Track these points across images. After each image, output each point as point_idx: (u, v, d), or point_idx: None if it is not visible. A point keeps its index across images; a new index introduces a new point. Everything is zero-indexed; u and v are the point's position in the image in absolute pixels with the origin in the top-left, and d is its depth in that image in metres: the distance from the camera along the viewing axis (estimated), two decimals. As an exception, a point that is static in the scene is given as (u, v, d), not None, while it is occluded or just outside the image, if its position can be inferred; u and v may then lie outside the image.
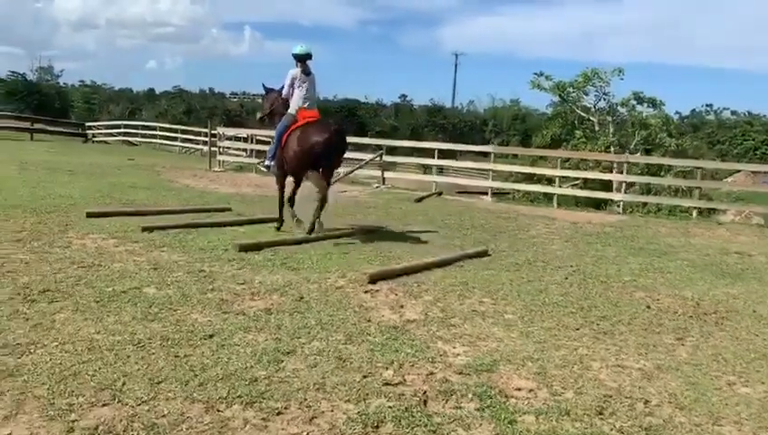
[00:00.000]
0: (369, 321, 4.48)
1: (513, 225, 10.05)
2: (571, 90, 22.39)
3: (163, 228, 7.58)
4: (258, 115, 8.78)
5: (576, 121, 31.20)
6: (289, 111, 7.64)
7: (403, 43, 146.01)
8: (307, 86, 7.63)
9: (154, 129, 27.34)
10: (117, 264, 5.77)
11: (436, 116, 66.72)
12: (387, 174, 15.34)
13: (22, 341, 3.72)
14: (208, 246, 6.78)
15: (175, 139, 26.05)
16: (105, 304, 4.52)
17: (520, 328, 4.55)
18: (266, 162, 8.22)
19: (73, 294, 4.69)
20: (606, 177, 15.02)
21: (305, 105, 7.59)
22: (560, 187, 14.72)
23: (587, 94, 22.50)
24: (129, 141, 27.56)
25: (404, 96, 79.12)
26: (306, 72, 7.68)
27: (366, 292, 5.23)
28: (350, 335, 4.13)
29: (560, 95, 22.67)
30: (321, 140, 7.08)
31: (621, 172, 13.60)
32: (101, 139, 28.94)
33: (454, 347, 4.07)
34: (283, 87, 7.86)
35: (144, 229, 7.40)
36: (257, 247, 6.72)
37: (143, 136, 27.09)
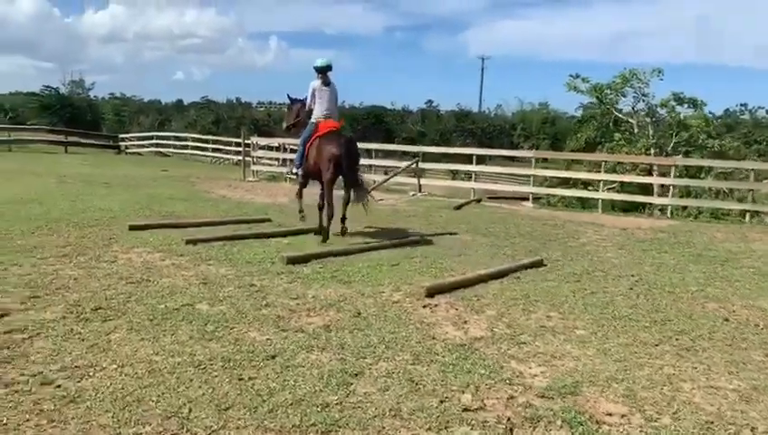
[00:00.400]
0: (433, 338, 4.23)
1: (561, 232, 9.72)
2: (608, 91, 21.88)
3: (207, 241, 7.46)
4: (284, 125, 9.21)
5: (611, 124, 30.60)
6: (311, 120, 8.12)
7: (428, 48, 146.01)
8: (327, 96, 8.05)
9: (186, 139, 27.52)
10: (165, 279, 5.63)
11: (464, 121, 66.27)
12: (409, 180, 15.06)
13: (80, 363, 3.56)
14: (255, 258, 6.61)
15: (206, 149, 26.16)
16: (159, 322, 4.36)
17: (595, 345, 4.26)
18: (294, 170, 8.68)
19: (126, 312, 4.54)
20: (652, 180, 14.53)
21: (324, 115, 8.02)
22: (601, 191, 14.32)
23: (625, 96, 21.95)
24: (161, 152, 27.78)
25: (430, 102, 78.80)
26: (326, 82, 8.07)
27: (425, 306, 4.99)
28: (416, 355, 3.90)
29: (597, 97, 22.17)
30: (333, 152, 7.55)
31: (667, 175, 13.12)
32: (134, 150, 29.24)
33: (529, 367, 3.80)
34: (306, 97, 8.32)
35: (188, 242, 7.29)
36: (305, 260, 6.54)
37: (175, 147, 27.26)
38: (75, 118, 48.86)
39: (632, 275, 6.59)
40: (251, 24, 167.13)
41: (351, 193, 8.01)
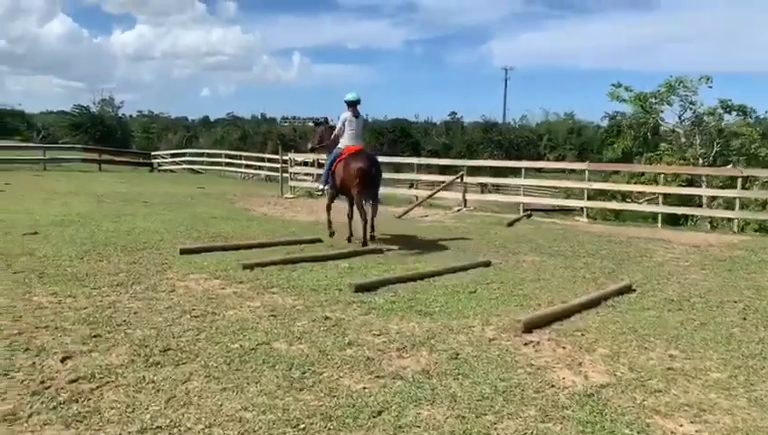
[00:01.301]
0: (552, 386, 3.68)
1: (630, 250, 9.09)
2: (652, 100, 21.12)
3: (263, 265, 7.02)
4: (309, 145, 10.68)
5: (648, 134, 29.70)
6: (339, 145, 9.10)
7: (450, 60, 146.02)
8: (355, 126, 9.06)
9: (219, 156, 27.35)
10: (231, 311, 5.17)
11: (490, 132, 65.55)
12: (448, 194, 14.47)
13: (161, 422, 3.09)
14: (319, 285, 6.14)
15: (239, 165, 25.94)
16: (238, 366, 3.88)
17: (743, 393, 3.67)
18: (320, 186, 10.04)
19: (199, 354, 4.08)
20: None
21: (352, 142, 8.99)
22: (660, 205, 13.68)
23: (670, 105, 21.17)
24: (193, 169, 27.64)
25: (454, 113, 78.33)
26: (356, 114, 9.12)
27: (526, 344, 4.44)
28: (542, 410, 3.35)
29: (641, 106, 21.42)
30: (359, 168, 8.54)
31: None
32: (167, 168, 29.17)
33: (680, 425, 3.23)
34: (331, 122, 9.64)
35: (245, 267, 6.85)
36: (373, 287, 6.04)
37: (208, 163, 27.09)
38: (106, 136, 49.44)
39: (735, 302, 5.96)
40: (275, 41, 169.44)
41: (370, 207, 8.92)
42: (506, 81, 78.43)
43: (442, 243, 9.25)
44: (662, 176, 13.36)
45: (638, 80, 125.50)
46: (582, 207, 13.19)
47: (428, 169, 17.55)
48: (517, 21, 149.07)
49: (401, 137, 64.78)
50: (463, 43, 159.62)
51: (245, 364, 3.91)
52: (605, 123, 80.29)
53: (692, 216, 18.01)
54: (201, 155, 28.02)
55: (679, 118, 21.34)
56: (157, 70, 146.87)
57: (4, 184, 16.81)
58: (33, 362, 3.86)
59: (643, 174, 22.98)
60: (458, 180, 14.22)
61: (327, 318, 4.97)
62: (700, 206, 19.09)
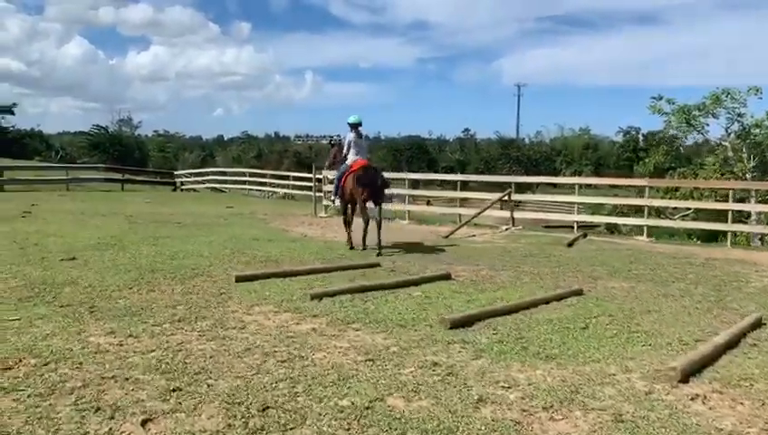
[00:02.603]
0: (763, 460, 2.91)
1: (717, 273, 8.31)
2: (696, 113, 20.32)
3: (332, 295, 6.31)
4: (327, 163, 12.50)
5: (681, 148, 28.87)
6: (346, 162, 10.13)
7: (461, 78, 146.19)
8: (359, 145, 10.16)
9: (243, 174, 26.81)
10: (319, 354, 4.44)
11: (509, 148, 64.89)
12: (489, 212, 13.68)
13: None
14: (404, 319, 5.41)
15: (263, 184, 25.38)
16: (359, 431, 3.14)
17: None
18: (333, 198, 11.79)
19: (306, 414, 3.35)
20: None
21: (358, 158, 10.01)
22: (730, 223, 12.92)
23: (716, 117, 20.35)
24: (216, 189, 27.10)
25: (467, 130, 77.87)
26: (359, 135, 10.21)
27: (692, 399, 3.67)
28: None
29: (685, 119, 20.62)
30: (367, 180, 9.54)
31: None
32: (189, 187, 28.67)
33: None
34: (342, 142, 10.72)
35: (313, 297, 6.16)
36: (469, 322, 5.30)
37: (231, 182, 26.53)
38: (124, 155, 49.35)
39: None
40: (287, 61, 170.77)
41: (377, 212, 9.83)
42: (519, 97, 77.83)
43: (509, 267, 8.49)
44: (731, 191, 12.38)
45: (650, 94, 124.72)
46: (643, 226, 12.34)
47: (468, 186, 16.84)
48: (527, 38, 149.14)
49: (418, 154, 64.38)
50: (474, 60, 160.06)
51: (368, 430, 3.17)
52: (619, 138, 79.37)
53: (727, 232, 17.16)
54: (224, 174, 27.47)
55: (726, 131, 20.53)
56: (171, 90, 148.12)
57: (30, 205, 16.28)
58: (110, 429, 3.15)
59: (677, 189, 22.17)
60: (506, 198, 13.47)
61: (436, 365, 4.23)
62: (740, 222, 18.16)
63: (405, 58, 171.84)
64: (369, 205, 9.72)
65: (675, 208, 21.16)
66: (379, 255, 9.14)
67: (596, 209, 25.01)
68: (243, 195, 26.35)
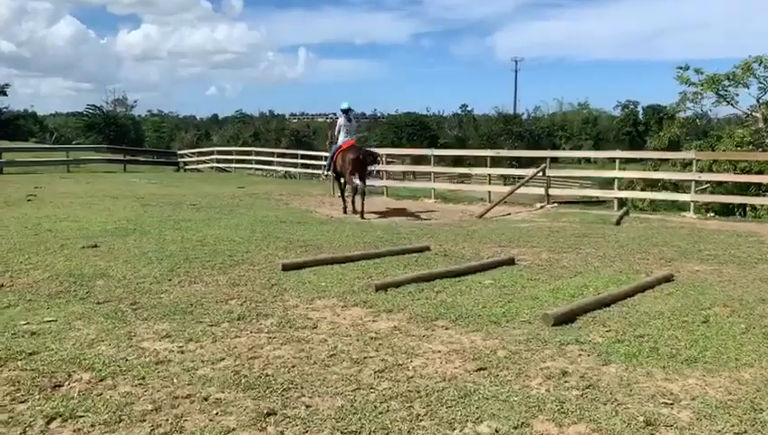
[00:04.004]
0: None
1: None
2: (726, 83, 19.53)
3: (397, 285, 5.64)
4: (328, 142, 13.59)
5: (698, 120, 28.13)
6: (338, 143, 11.86)
7: (457, 53, 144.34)
8: (348, 128, 11.88)
9: (249, 153, 25.93)
10: (419, 360, 3.78)
11: (510, 124, 63.89)
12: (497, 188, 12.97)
13: None
14: (495, 315, 4.74)
15: (271, 163, 24.54)
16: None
17: None
18: (325, 172, 14.15)
19: (445, 447, 2.67)
20: None
21: (346, 139, 11.71)
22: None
23: (747, 87, 19.55)
24: (221, 168, 26.24)
25: (464, 106, 76.55)
26: (349, 119, 11.96)
27: None
28: None
29: (715, 90, 19.84)
30: (353, 157, 11.18)
31: None
32: (193, 167, 27.79)
33: None
34: (335, 123, 12.42)
35: (378, 288, 5.47)
36: (571, 317, 4.63)
37: (238, 162, 25.65)
38: (119, 136, 48.15)
39: None
40: (281, 38, 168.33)
41: (361, 184, 11.24)
42: (516, 72, 76.47)
43: (568, 249, 7.83)
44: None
45: (650, 67, 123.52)
46: (690, 202, 11.66)
47: (498, 161, 16.09)
48: (524, 11, 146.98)
49: (419, 130, 63.32)
50: (470, 35, 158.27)
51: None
52: (618, 112, 78.23)
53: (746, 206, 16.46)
54: (230, 153, 26.58)
55: (757, 101, 19.76)
56: (164, 69, 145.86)
57: (34, 188, 15.46)
58: (208, 473, 2.47)
59: (691, 162, 21.46)
60: (540, 174, 12.76)
61: (565, 373, 3.56)
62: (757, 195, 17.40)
63: (400, 33, 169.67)
64: (356, 179, 11.18)
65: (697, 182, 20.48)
66: (362, 218, 10.92)
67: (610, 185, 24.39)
68: (248, 174, 25.51)
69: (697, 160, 12.21)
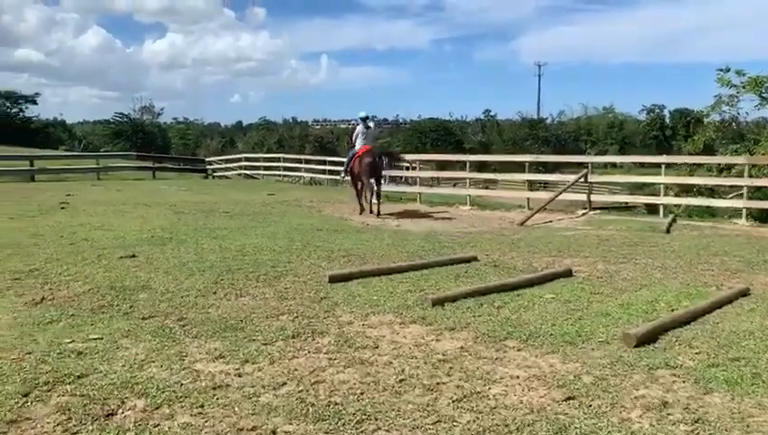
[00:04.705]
0: None
1: None
2: (773, 84, 18.78)
3: (454, 299, 5.31)
4: (348, 148, 14.26)
5: (734, 124, 27.36)
6: (355, 148, 12.58)
7: (479, 58, 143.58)
8: (366, 134, 12.63)
9: (277, 160, 25.79)
10: (498, 387, 3.44)
11: (536, 129, 63.19)
12: (544, 194, 12.49)
13: None
14: (568, 333, 4.38)
15: (299, 169, 24.37)
16: None
17: None
18: (342, 175, 14.02)
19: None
20: None
21: (364, 144, 12.40)
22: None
23: (795, 89, 18.80)
24: (249, 175, 26.15)
25: (487, 111, 75.84)
26: (366, 126, 12.78)
27: None
28: None
29: (759, 93, 19.17)
30: (368, 161, 11.95)
31: None
32: (221, 173, 27.75)
33: None
34: (355, 130, 13.17)
35: (434, 303, 5.15)
36: (653, 337, 4.25)
37: (265, 169, 25.52)
38: (146, 143, 48.62)
39: None
40: (303, 45, 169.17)
41: (376, 187, 12.31)
42: (539, 76, 75.57)
43: (624, 259, 7.43)
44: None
45: (674, 72, 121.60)
46: (743, 208, 11.13)
47: (536, 167, 15.62)
48: (546, 16, 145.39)
49: (443, 136, 62.97)
50: (492, 40, 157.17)
51: None
52: (643, 117, 76.80)
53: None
54: (257, 160, 26.45)
55: (806, 105, 19.01)
56: (188, 77, 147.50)
57: (66, 196, 15.43)
58: None
59: (731, 167, 20.74)
60: (582, 180, 12.33)
61: (666, 404, 3.20)
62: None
63: (421, 39, 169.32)
64: (371, 181, 12.15)
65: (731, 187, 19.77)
66: (378, 216, 11.95)
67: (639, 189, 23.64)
68: (276, 181, 25.37)
69: (752, 166, 11.63)
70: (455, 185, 21.67)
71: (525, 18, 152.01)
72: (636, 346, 4.07)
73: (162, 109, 66.75)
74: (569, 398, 3.28)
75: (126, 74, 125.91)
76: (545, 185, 21.30)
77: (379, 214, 12.10)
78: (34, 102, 48.97)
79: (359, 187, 12.73)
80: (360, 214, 12.30)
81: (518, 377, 3.59)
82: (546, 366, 3.78)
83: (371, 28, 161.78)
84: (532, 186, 13.91)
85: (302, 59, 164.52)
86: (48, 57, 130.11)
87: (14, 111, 47.81)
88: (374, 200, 12.31)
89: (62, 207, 12.79)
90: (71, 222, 10.40)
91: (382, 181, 18.17)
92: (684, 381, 3.52)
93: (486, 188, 20.92)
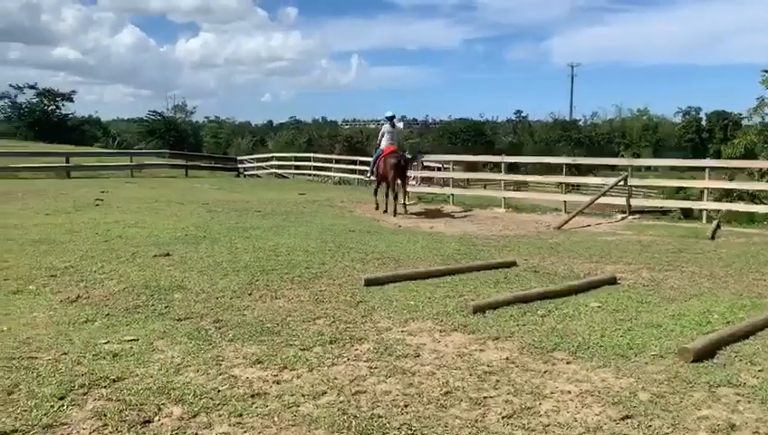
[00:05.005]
0: None
1: None
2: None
3: (496, 306, 5.12)
4: (375, 147, 13.82)
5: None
6: (380, 147, 12.86)
7: (510, 58, 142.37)
8: (392, 134, 12.93)
9: (308, 159, 25.82)
10: (549, 403, 3.26)
11: (569, 130, 62.34)
12: (579, 198, 12.12)
13: None
14: (619, 346, 4.16)
15: (329, 168, 24.34)
16: None
17: None
18: (369, 175, 14.22)
19: None
20: None
21: (389, 145, 12.68)
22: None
23: None
24: (280, 174, 26.22)
25: (519, 112, 75.04)
26: (392, 126, 13.10)
27: None
28: None
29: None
30: (394, 162, 12.11)
31: None
32: (252, 172, 27.88)
33: None
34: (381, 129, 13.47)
35: (476, 310, 4.97)
36: (711, 351, 4.01)
37: (296, 168, 25.56)
38: (179, 141, 49.16)
39: None
40: (333, 45, 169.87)
41: (401, 187, 12.61)
42: (572, 77, 74.47)
43: (669, 266, 7.13)
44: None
45: (711, 73, 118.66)
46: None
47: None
48: (579, 16, 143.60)
49: (474, 136, 62.56)
50: (524, 40, 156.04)
51: None
52: (678, 119, 74.88)
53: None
54: (288, 159, 26.52)
55: None
56: (220, 76, 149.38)
57: (100, 193, 15.59)
58: None
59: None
60: (621, 183, 11.98)
61: (733, 427, 2.98)
62: None
63: (452, 39, 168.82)
64: (396, 181, 12.35)
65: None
66: (394, 215, 12.07)
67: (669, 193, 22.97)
68: (306, 180, 25.40)
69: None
70: (485, 186, 21.39)
71: (558, 18, 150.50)
72: (693, 361, 3.84)
73: (195, 107, 67.61)
74: (626, 417, 3.08)
75: (159, 73, 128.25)
76: (577, 187, 20.90)
77: (405, 211, 12.52)
78: (71, 100, 49.93)
79: (383, 186, 12.94)
80: (382, 211, 12.58)
81: (570, 392, 3.40)
82: (598, 381, 3.57)
83: (402, 28, 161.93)
84: (562, 188, 13.55)
85: (332, 58, 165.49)
86: (84, 55, 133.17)
87: (51, 108, 48.82)
88: (401, 201, 12.60)
89: (97, 204, 12.91)
90: (105, 219, 10.46)
91: (412, 182, 18.26)
92: (749, 402, 3.29)
93: (518, 190, 20.59)
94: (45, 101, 48.43)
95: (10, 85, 48.62)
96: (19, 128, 45.74)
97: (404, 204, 12.72)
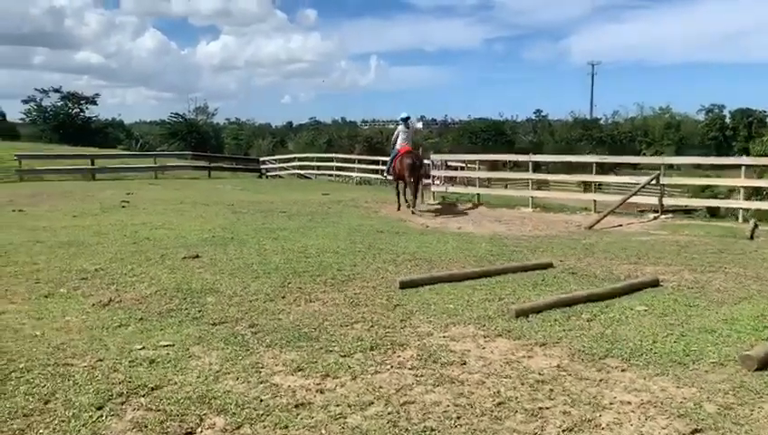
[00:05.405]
0: None
1: None
2: None
3: (539, 310, 4.92)
4: (391, 148, 13.87)
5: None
6: (396, 147, 13.18)
7: (529, 57, 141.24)
8: (406, 135, 13.22)
9: (330, 160, 25.75)
10: (609, 415, 3.08)
11: (590, 129, 61.53)
12: (605, 198, 11.80)
13: None
14: (675, 352, 3.95)
15: (351, 169, 24.23)
16: None
17: None
18: (386, 175, 14.92)
19: None
20: None
21: (403, 145, 12.98)
22: None
23: None
24: (302, 175, 26.18)
25: (539, 111, 74.20)
26: (407, 126, 13.42)
27: None
28: None
29: None
30: (409, 162, 12.53)
31: None
32: (275, 173, 27.88)
33: None
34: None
35: (518, 314, 4.79)
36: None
37: (318, 168, 25.51)
38: (201, 143, 49.39)
39: None
40: (352, 46, 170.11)
41: (416, 184, 12.88)
42: (593, 76, 73.45)
43: (711, 268, 6.87)
44: None
45: (735, 71, 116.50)
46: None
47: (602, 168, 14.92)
48: (599, 14, 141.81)
49: (494, 136, 62.02)
50: (543, 39, 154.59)
51: None
52: (701, 117, 73.47)
53: None
54: (310, 160, 26.47)
55: None
56: (240, 78, 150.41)
57: (126, 194, 15.65)
58: None
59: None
60: (653, 181, 11.67)
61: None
62: None
63: (471, 39, 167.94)
64: (412, 180, 12.67)
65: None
66: (413, 213, 12.43)
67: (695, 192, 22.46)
68: (328, 180, 25.31)
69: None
70: (506, 186, 21.09)
71: (576, 17, 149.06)
72: (756, 369, 3.62)
73: (216, 109, 67.93)
74: (695, 431, 2.89)
75: (181, 76, 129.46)
76: (599, 186, 20.51)
77: (413, 207, 12.77)
78: (94, 103, 50.43)
79: (400, 185, 13.26)
80: (405, 209, 12.85)
81: (630, 403, 3.20)
82: (658, 390, 3.37)
83: (420, 28, 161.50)
84: (591, 187, 13.26)
85: (351, 60, 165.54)
86: (107, 59, 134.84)
87: (75, 111, 49.36)
88: (419, 199, 13.07)
89: (123, 206, 12.93)
90: (132, 220, 10.44)
91: (436, 182, 18.08)
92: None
93: (539, 188, 20.28)
94: (70, 105, 48.97)
95: (35, 89, 49.30)
96: (44, 131, 46.27)
97: (419, 202, 13.00)
